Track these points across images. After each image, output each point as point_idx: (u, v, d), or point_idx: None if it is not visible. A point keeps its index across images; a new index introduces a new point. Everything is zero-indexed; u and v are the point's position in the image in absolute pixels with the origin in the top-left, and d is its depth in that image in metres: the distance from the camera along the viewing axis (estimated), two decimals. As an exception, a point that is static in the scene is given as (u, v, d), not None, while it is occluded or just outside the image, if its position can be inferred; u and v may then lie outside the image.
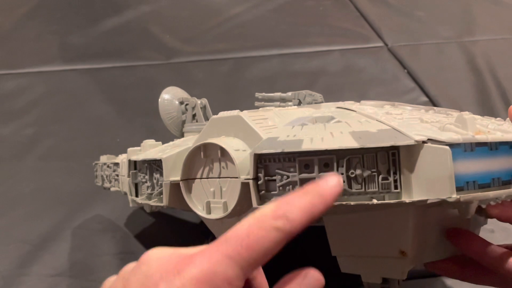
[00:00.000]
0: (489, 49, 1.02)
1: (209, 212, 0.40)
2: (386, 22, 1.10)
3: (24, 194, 0.71)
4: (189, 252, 0.28)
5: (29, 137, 0.82)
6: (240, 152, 0.38)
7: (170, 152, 0.43)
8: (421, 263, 0.41)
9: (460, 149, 0.34)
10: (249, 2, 1.15)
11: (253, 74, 0.96)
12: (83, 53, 1.00)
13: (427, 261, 0.42)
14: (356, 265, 0.42)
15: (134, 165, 0.49)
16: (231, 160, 0.38)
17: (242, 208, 0.38)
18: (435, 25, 1.10)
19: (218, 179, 0.40)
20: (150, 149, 0.50)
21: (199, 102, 0.57)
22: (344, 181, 0.34)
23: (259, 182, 0.36)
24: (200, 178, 0.41)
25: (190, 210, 0.41)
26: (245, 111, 0.42)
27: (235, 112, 0.41)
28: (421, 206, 0.34)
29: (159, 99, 0.59)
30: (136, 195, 0.49)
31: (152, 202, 0.45)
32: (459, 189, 0.33)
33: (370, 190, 0.34)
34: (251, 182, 0.36)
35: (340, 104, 0.44)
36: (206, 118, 0.57)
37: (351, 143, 0.33)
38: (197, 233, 0.63)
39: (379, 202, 0.34)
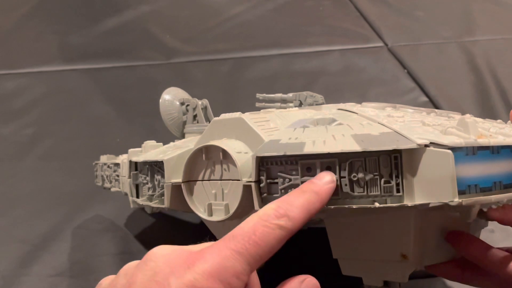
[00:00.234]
0: (489, 49, 1.01)
1: (210, 214, 0.40)
2: (386, 22, 1.10)
3: (24, 194, 0.71)
4: (196, 249, 0.29)
5: (29, 137, 0.82)
6: (242, 155, 0.38)
7: (172, 154, 0.43)
8: (422, 266, 0.41)
9: (462, 152, 0.34)
10: (249, 2, 1.15)
11: (253, 74, 0.96)
12: (83, 53, 1.00)
13: (427, 264, 0.42)
14: (358, 268, 0.42)
15: (135, 166, 0.49)
16: (233, 162, 0.38)
17: (244, 211, 0.38)
18: (435, 25, 1.10)
19: (219, 181, 0.40)
20: (151, 150, 0.50)
21: (200, 103, 0.57)
22: (346, 185, 0.34)
23: (261, 185, 0.36)
24: (202, 180, 0.41)
25: (191, 211, 0.41)
26: (246, 113, 0.42)
27: (237, 114, 0.41)
28: (423, 209, 0.34)
29: (160, 100, 0.59)
30: (137, 196, 0.49)
31: (154, 204, 0.45)
32: (461, 192, 0.33)
33: (372, 193, 0.34)
34: (253, 184, 0.36)
35: (341, 105, 0.44)
36: (207, 119, 0.57)
37: (353, 147, 0.34)
38: (197, 233, 0.63)
39: (381, 205, 0.34)
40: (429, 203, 0.33)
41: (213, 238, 0.46)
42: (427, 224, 0.39)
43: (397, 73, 0.96)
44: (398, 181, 0.34)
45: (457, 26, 1.10)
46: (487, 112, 0.86)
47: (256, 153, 0.36)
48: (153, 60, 0.99)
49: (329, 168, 0.34)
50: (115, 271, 0.61)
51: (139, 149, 0.51)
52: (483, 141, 0.35)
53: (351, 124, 0.37)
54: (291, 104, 0.53)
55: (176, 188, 0.42)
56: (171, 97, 0.59)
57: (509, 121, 0.47)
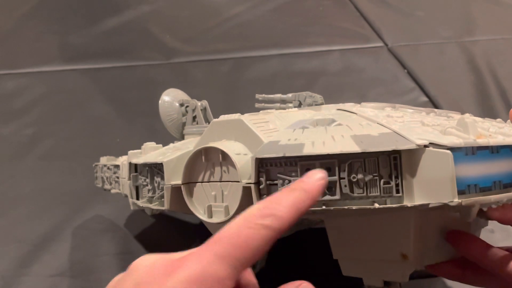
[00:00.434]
0: (489, 49, 1.01)
1: (210, 216, 0.40)
2: (386, 22, 1.10)
3: (24, 194, 0.71)
4: (179, 256, 0.29)
5: (29, 137, 0.82)
6: (242, 156, 0.38)
7: (171, 156, 0.43)
8: (422, 265, 0.41)
9: (462, 152, 0.34)
10: (249, 2, 1.15)
11: (253, 74, 0.96)
12: (83, 53, 1.00)
13: (428, 263, 0.42)
14: (358, 268, 0.42)
15: (134, 168, 0.49)
16: (232, 164, 0.38)
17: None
18: (435, 25, 1.10)
19: (219, 183, 0.40)
20: (150, 152, 0.50)
21: (199, 104, 0.57)
22: (346, 186, 0.34)
23: (261, 187, 0.36)
24: (202, 182, 0.41)
25: (191, 213, 0.41)
26: (246, 114, 0.42)
27: (236, 116, 0.41)
28: (423, 209, 0.34)
29: (159, 101, 0.59)
30: (137, 198, 0.49)
31: (154, 206, 0.45)
32: (460, 192, 0.33)
33: (372, 194, 0.34)
34: (252, 186, 0.36)
35: (341, 106, 0.44)
36: (207, 120, 0.57)
37: (353, 147, 0.34)
38: (197, 233, 0.63)
39: (381, 206, 0.34)
40: (428, 204, 0.33)
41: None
42: (427, 224, 0.39)
43: (397, 73, 0.96)
44: (397, 182, 0.34)
45: (457, 26, 1.10)
46: (487, 112, 0.86)
47: (256, 154, 0.36)
48: (153, 60, 0.99)
49: (328, 169, 0.34)
50: (115, 271, 0.61)
51: (139, 150, 0.51)
52: (483, 141, 0.35)
53: (350, 125, 0.37)
54: (290, 105, 0.53)
55: (176, 190, 0.42)
56: (171, 99, 0.59)
57: (509, 120, 0.47)
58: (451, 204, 0.32)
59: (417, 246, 0.39)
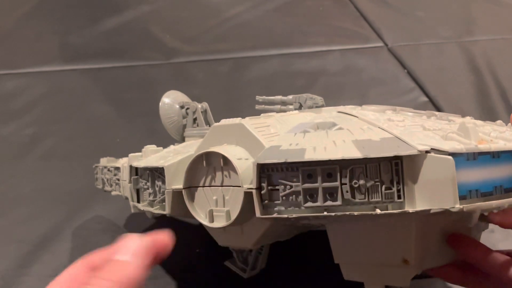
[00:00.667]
0: (489, 49, 1.01)
1: (211, 220, 0.40)
2: (386, 22, 1.10)
3: (24, 194, 0.71)
4: None
5: (29, 137, 0.81)
6: (243, 161, 0.38)
7: (172, 160, 0.43)
8: (423, 269, 0.41)
9: (463, 157, 0.34)
10: (249, 2, 1.15)
11: (253, 74, 0.96)
12: (83, 53, 1.00)
13: (429, 267, 0.42)
14: (359, 272, 0.42)
15: (135, 170, 0.49)
16: (233, 169, 0.38)
17: (245, 217, 0.38)
18: (435, 25, 1.10)
19: (220, 187, 0.39)
20: (151, 155, 0.49)
21: (199, 106, 0.57)
22: (347, 191, 0.34)
23: (262, 192, 0.36)
24: (203, 186, 0.41)
25: (192, 218, 0.41)
26: (247, 118, 0.42)
27: (237, 120, 0.41)
28: (424, 215, 0.34)
29: (160, 103, 0.59)
30: (138, 201, 0.49)
31: (155, 210, 0.45)
32: (461, 197, 0.33)
33: (373, 200, 0.34)
34: (254, 192, 0.36)
35: (341, 108, 0.44)
36: (207, 123, 0.57)
37: (354, 153, 0.33)
38: (197, 233, 0.63)
39: (383, 212, 0.34)
40: (430, 209, 0.33)
41: (209, 243, 0.46)
42: (429, 228, 0.39)
43: (397, 73, 0.96)
44: (399, 187, 0.34)
45: (457, 26, 1.10)
46: (487, 112, 0.86)
47: (257, 160, 0.36)
48: (153, 60, 0.99)
49: (330, 174, 0.34)
50: (115, 271, 0.61)
51: (140, 153, 0.51)
52: (484, 147, 0.35)
53: (351, 129, 0.37)
54: (291, 107, 0.53)
55: (177, 194, 0.42)
56: (171, 101, 0.59)
57: (510, 124, 0.47)
58: (452, 210, 0.32)
59: (418, 251, 0.39)
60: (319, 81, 0.94)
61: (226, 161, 0.38)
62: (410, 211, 0.33)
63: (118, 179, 0.55)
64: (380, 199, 0.34)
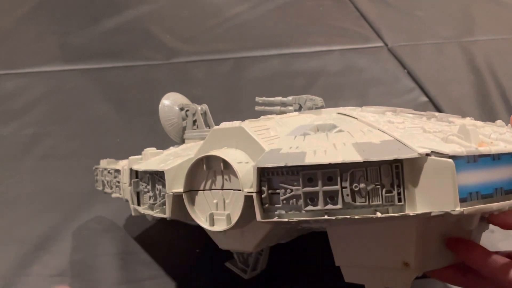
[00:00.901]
0: (489, 49, 1.01)
1: (212, 224, 0.40)
2: (386, 22, 1.10)
3: (24, 194, 0.71)
4: None
5: (29, 137, 0.81)
6: (243, 165, 0.38)
7: (172, 164, 0.43)
8: (424, 271, 0.41)
9: (463, 160, 0.34)
10: (249, 2, 1.15)
11: (253, 74, 0.96)
12: (83, 53, 1.00)
13: (429, 269, 0.42)
14: (360, 275, 0.42)
15: (135, 173, 0.49)
16: (234, 173, 0.38)
17: (246, 221, 0.38)
18: (435, 25, 1.10)
19: (221, 191, 0.39)
20: (151, 158, 0.49)
21: (199, 108, 0.57)
22: (348, 195, 0.34)
23: (263, 196, 0.36)
24: (203, 190, 0.41)
25: (193, 221, 0.41)
26: (246, 121, 0.42)
27: (237, 123, 0.40)
28: (425, 218, 0.34)
29: (160, 105, 0.58)
30: (138, 204, 0.49)
31: (155, 213, 0.45)
32: (462, 200, 0.33)
33: (374, 203, 0.34)
34: (254, 195, 0.36)
35: (341, 109, 0.44)
36: (207, 125, 0.56)
37: (355, 157, 0.33)
38: (197, 233, 0.63)
39: (383, 215, 0.34)
40: (430, 212, 0.33)
41: (210, 243, 0.46)
42: (429, 231, 0.39)
43: (397, 73, 0.96)
44: (399, 190, 0.34)
45: (457, 26, 1.10)
46: (487, 112, 0.86)
47: (257, 164, 0.36)
48: (153, 60, 0.99)
49: (330, 178, 0.34)
50: (115, 271, 0.61)
51: (139, 156, 0.51)
52: (484, 149, 0.35)
53: (351, 131, 0.37)
54: (290, 108, 0.53)
55: (178, 197, 0.42)
56: (171, 103, 0.59)
57: (510, 124, 0.47)
58: (453, 213, 0.32)
59: (419, 254, 0.39)
60: (319, 81, 0.94)
61: (227, 164, 0.38)
62: (411, 214, 0.33)
63: (118, 182, 0.55)
64: (380, 202, 0.34)
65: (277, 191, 0.36)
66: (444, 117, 0.46)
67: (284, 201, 0.35)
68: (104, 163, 0.62)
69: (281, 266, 0.57)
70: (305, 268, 0.58)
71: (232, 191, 0.39)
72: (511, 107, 0.87)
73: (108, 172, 0.59)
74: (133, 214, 0.51)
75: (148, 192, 0.46)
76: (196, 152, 0.42)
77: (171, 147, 0.56)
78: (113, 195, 0.58)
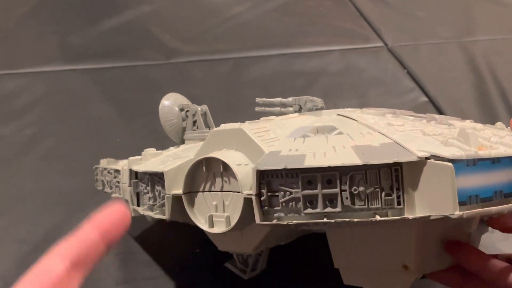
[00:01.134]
0: (489, 49, 1.02)
1: (211, 226, 0.40)
2: (386, 22, 1.10)
3: (24, 194, 0.71)
4: None
5: (29, 137, 0.81)
6: (242, 167, 0.38)
7: (172, 165, 0.43)
8: (423, 274, 0.41)
9: (463, 163, 0.34)
10: (249, 2, 1.15)
11: (253, 74, 0.96)
12: (83, 53, 1.00)
13: (428, 271, 0.42)
14: (359, 277, 0.42)
15: (135, 174, 0.49)
16: (233, 175, 0.38)
17: (245, 223, 0.38)
18: (435, 25, 1.10)
19: (220, 192, 0.39)
20: (151, 159, 0.49)
21: (199, 108, 0.57)
22: (347, 198, 0.34)
23: (262, 198, 0.36)
24: (203, 192, 0.41)
25: (192, 223, 0.41)
26: (246, 123, 0.42)
27: (237, 125, 0.41)
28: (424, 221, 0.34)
29: (159, 106, 0.58)
30: (138, 205, 0.49)
31: (155, 215, 0.45)
32: (461, 203, 0.33)
33: (373, 206, 0.34)
34: (254, 198, 0.36)
35: (341, 111, 0.44)
36: (207, 125, 0.56)
37: (354, 160, 0.33)
38: (197, 233, 0.63)
39: (382, 219, 0.34)
40: (430, 216, 0.33)
41: (209, 243, 0.46)
42: (428, 234, 0.39)
43: (397, 73, 0.96)
44: (399, 194, 0.34)
45: (457, 26, 1.10)
46: (487, 112, 0.86)
47: (257, 166, 0.36)
48: (153, 60, 0.99)
49: (329, 181, 0.34)
50: (115, 271, 0.61)
51: (139, 157, 0.51)
52: (484, 153, 0.35)
53: (351, 134, 0.37)
54: (290, 109, 0.53)
55: (177, 199, 0.42)
56: (171, 103, 0.59)
57: (510, 127, 0.47)
58: (452, 216, 0.32)
59: (418, 256, 0.39)
60: (319, 81, 0.94)
61: (226, 166, 0.38)
62: (410, 218, 0.33)
63: (118, 182, 0.55)
64: (380, 205, 0.34)
65: (277, 193, 0.36)
66: (444, 119, 0.46)
67: (284, 204, 0.35)
68: (104, 163, 0.62)
69: (281, 267, 0.57)
70: (305, 269, 0.58)
71: (231, 193, 0.39)
72: (511, 107, 0.87)
73: (108, 172, 0.59)
74: (132, 214, 0.51)
75: (147, 193, 0.46)
76: (196, 153, 0.42)
77: (171, 148, 0.56)
78: (113, 195, 0.58)
